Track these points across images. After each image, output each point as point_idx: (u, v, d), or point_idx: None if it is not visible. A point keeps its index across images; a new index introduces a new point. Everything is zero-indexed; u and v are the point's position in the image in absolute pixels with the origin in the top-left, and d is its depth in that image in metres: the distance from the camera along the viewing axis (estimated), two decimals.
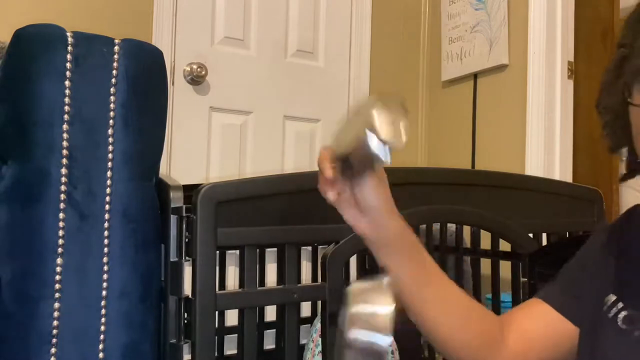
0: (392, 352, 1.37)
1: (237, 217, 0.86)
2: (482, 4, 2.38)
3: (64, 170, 0.79)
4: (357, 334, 0.54)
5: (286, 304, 0.91)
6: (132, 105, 0.84)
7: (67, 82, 0.80)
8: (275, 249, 1.17)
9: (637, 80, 0.62)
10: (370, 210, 0.64)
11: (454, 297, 0.72)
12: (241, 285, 0.89)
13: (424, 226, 1.55)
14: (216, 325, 0.97)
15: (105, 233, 0.81)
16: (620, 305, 0.66)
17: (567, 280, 0.75)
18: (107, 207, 0.81)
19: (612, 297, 0.68)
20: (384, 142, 0.53)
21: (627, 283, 0.68)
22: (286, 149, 2.40)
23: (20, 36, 0.81)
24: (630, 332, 0.64)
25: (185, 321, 0.85)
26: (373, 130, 0.53)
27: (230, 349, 1.44)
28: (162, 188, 0.89)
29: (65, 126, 0.80)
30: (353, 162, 0.59)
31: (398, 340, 1.41)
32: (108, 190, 0.81)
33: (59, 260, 0.78)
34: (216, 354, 1.16)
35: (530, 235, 1.17)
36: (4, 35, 1.00)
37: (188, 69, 2.17)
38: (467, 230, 1.37)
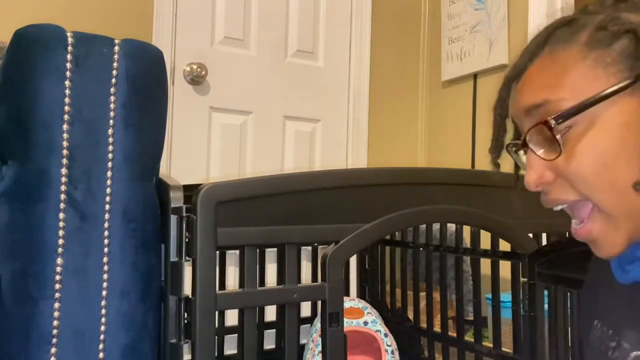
0: (392, 352, 1.37)
1: (237, 217, 0.86)
2: (482, 4, 2.38)
3: (64, 170, 0.79)
4: None
5: (286, 304, 0.91)
6: (132, 105, 0.84)
7: (67, 82, 0.80)
8: (275, 249, 1.17)
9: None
10: None
11: None
12: (241, 285, 0.89)
13: (424, 226, 1.56)
14: (216, 325, 0.97)
15: (106, 233, 0.81)
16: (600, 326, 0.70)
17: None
18: (107, 207, 0.81)
19: (595, 322, 0.71)
20: None
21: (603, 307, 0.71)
22: (286, 149, 2.40)
23: (20, 36, 0.81)
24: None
25: (185, 321, 0.85)
26: None
27: (230, 349, 1.44)
28: (162, 188, 0.89)
29: (65, 126, 0.80)
30: None
31: (398, 341, 1.42)
32: (108, 190, 0.81)
33: (59, 260, 0.78)
34: (216, 354, 1.16)
35: (530, 235, 1.17)
36: (4, 35, 1.01)
37: (188, 69, 2.17)
38: (467, 230, 1.37)
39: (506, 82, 0.65)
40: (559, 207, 0.61)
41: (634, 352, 0.62)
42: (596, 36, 0.57)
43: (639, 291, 0.63)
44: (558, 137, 0.56)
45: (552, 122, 0.56)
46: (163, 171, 0.97)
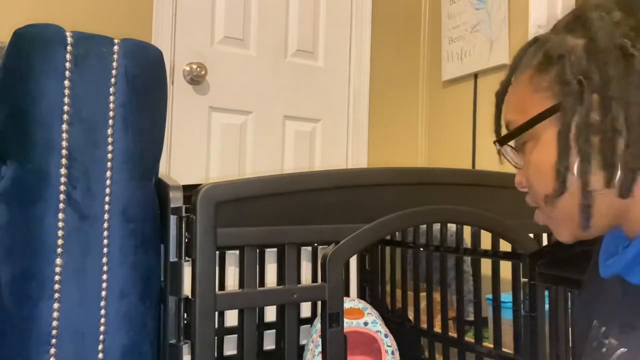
0: (393, 353, 1.37)
1: (237, 217, 0.86)
2: (483, 4, 2.38)
3: (63, 170, 0.79)
4: None
5: (286, 304, 0.91)
6: (131, 105, 0.84)
7: (66, 82, 0.80)
8: (275, 249, 1.17)
9: None
10: None
11: None
12: (241, 285, 0.89)
13: (424, 226, 1.55)
14: (216, 326, 0.97)
15: (105, 233, 0.81)
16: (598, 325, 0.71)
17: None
18: (106, 207, 0.81)
19: (594, 321, 0.72)
20: None
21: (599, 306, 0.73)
22: (286, 149, 2.40)
23: (20, 36, 0.81)
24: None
25: (185, 321, 0.85)
26: None
27: (230, 349, 1.44)
28: (162, 188, 0.89)
29: (64, 126, 0.79)
30: None
31: (398, 341, 1.41)
32: (107, 190, 0.81)
33: (58, 261, 0.77)
34: (216, 355, 1.16)
35: (531, 235, 1.17)
36: (4, 35, 1.00)
37: (188, 68, 2.17)
38: (467, 230, 1.37)
39: (498, 98, 0.73)
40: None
41: (620, 350, 0.63)
42: (543, 60, 0.63)
43: (627, 288, 0.64)
44: (503, 153, 0.68)
45: (497, 143, 0.68)
46: (163, 171, 0.97)
